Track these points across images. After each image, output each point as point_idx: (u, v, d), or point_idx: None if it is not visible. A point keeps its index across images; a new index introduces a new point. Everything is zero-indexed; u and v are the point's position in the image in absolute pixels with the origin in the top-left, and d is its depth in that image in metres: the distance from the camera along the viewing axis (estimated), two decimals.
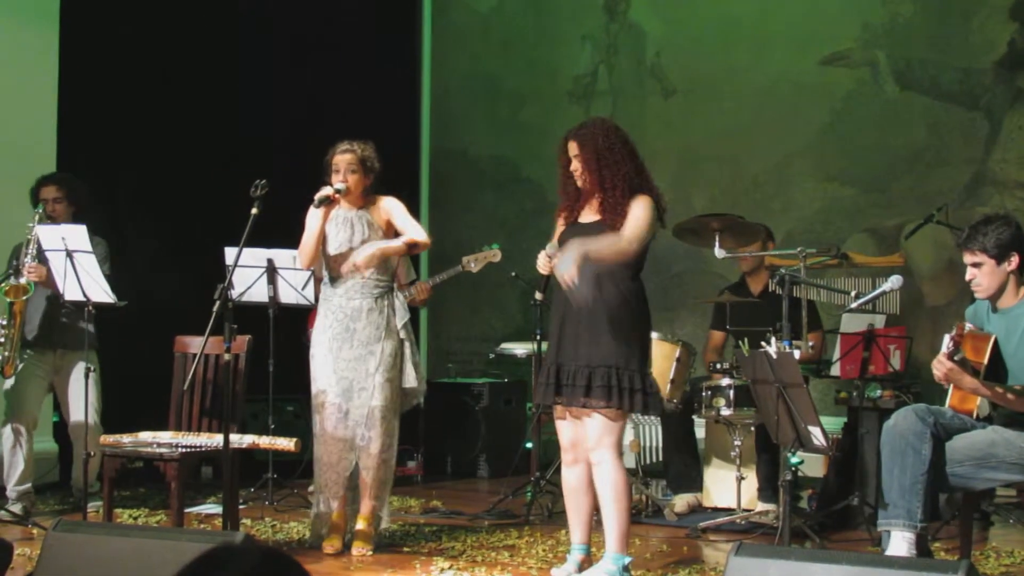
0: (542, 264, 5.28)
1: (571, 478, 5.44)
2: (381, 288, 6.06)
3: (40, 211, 6.86)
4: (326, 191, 5.97)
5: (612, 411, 5.22)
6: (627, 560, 5.30)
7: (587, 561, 5.41)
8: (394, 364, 6.03)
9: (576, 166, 5.35)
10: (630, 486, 5.46)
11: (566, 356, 5.29)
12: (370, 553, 5.89)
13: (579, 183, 5.37)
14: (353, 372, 5.97)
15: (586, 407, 5.24)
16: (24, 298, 6.73)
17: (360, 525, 6.02)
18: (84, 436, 6.44)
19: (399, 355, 6.08)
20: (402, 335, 6.10)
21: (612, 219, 5.27)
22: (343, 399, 5.97)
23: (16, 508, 6.84)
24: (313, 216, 6.03)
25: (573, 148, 5.37)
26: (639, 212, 5.26)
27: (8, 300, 6.71)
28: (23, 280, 6.70)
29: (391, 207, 6.15)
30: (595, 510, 5.49)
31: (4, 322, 6.74)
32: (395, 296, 6.14)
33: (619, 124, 5.55)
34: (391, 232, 6.12)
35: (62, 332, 7.03)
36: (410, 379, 6.11)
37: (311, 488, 6.32)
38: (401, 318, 6.10)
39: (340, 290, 6.06)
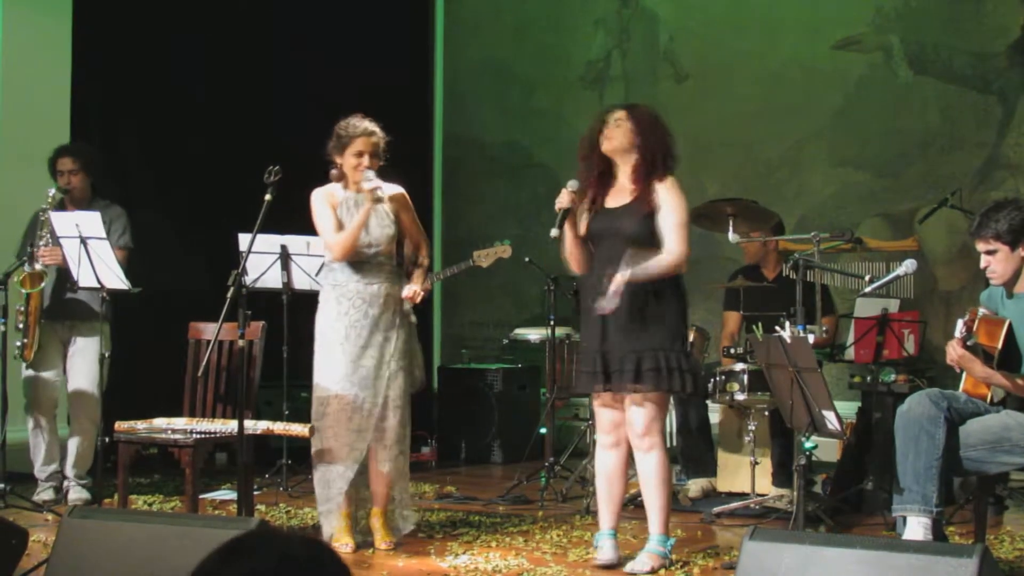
0: (565, 199, 5.32)
1: (609, 462, 5.48)
2: (395, 270, 5.89)
3: (54, 193, 6.88)
4: (380, 194, 5.76)
5: (660, 395, 5.32)
6: (672, 541, 5.44)
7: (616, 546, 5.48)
8: (408, 351, 5.87)
9: (613, 133, 5.39)
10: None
11: (613, 343, 5.32)
12: (393, 545, 5.76)
13: (609, 146, 5.40)
14: (370, 360, 5.74)
15: (636, 392, 5.30)
16: (40, 287, 6.75)
17: (378, 520, 5.82)
18: (91, 418, 6.55)
19: (411, 341, 5.93)
20: (413, 319, 5.99)
21: (642, 192, 5.34)
22: (359, 388, 5.73)
23: (47, 495, 6.95)
24: (351, 211, 5.80)
25: (619, 113, 5.43)
26: (676, 204, 5.33)
27: (25, 291, 6.74)
28: (38, 266, 6.72)
29: (404, 206, 5.94)
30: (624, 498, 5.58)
31: (22, 308, 6.77)
32: (405, 281, 6.03)
33: None
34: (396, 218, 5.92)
35: (74, 304, 6.96)
36: (418, 367, 6.00)
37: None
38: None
39: (357, 275, 5.80)
